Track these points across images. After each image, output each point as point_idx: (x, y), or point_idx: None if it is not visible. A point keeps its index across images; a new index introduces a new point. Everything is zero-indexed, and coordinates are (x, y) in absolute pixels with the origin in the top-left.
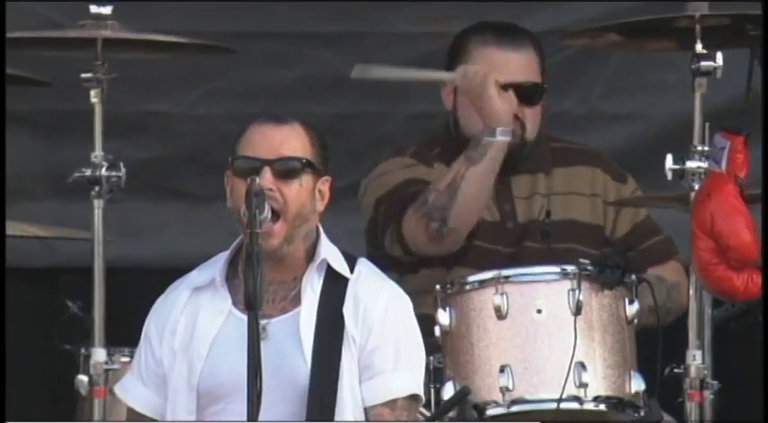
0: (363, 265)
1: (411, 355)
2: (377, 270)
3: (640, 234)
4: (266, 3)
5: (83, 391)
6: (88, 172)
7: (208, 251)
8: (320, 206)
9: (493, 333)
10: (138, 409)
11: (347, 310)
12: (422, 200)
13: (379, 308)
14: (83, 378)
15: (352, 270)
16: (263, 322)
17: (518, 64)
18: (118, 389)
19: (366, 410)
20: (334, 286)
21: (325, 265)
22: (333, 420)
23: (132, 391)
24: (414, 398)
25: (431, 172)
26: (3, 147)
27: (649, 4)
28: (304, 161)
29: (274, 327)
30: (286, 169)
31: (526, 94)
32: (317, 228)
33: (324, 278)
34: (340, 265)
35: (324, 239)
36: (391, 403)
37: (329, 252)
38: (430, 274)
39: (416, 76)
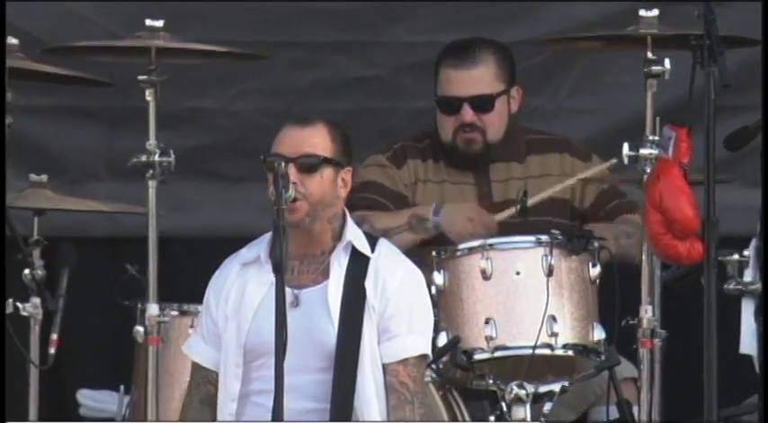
0: (383, 245)
1: (422, 321)
2: (395, 249)
3: (606, 198)
4: (290, 16)
5: (139, 340)
6: (144, 158)
7: (241, 223)
8: (343, 193)
9: (479, 291)
10: (201, 363)
11: (369, 284)
12: (367, 217)
13: (396, 281)
14: (139, 329)
15: (373, 249)
16: (296, 291)
17: (469, 80)
18: (185, 348)
19: (384, 367)
20: (358, 263)
21: (351, 245)
22: (355, 375)
23: (196, 348)
24: (423, 357)
25: (398, 173)
26: (3, 145)
27: (607, 18)
28: (321, 158)
29: (306, 296)
30: (306, 164)
31: (478, 104)
32: (344, 212)
33: (349, 256)
34: (363, 246)
35: (350, 223)
36: (404, 361)
37: (354, 235)
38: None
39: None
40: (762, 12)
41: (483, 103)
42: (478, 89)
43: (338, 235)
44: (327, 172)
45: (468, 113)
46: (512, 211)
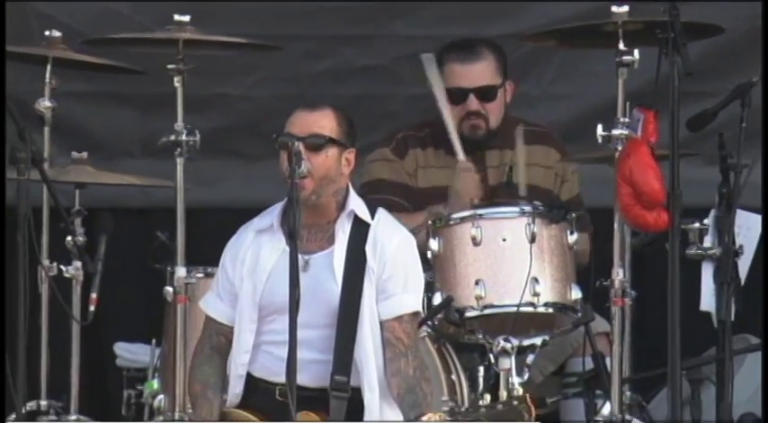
0: (382, 213)
1: (415, 281)
2: (392, 218)
3: (573, 206)
4: (303, 13)
5: (168, 299)
6: (173, 137)
7: (258, 196)
8: (346, 170)
9: (470, 256)
10: (217, 318)
11: (368, 248)
12: None
13: (393, 246)
14: (169, 289)
15: (372, 217)
16: (306, 257)
17: (475, 73)
18: (201, 303)
19: (381, 323)
20: (360, 230)
21: (353, 214)
22: (356, 330)
23: (212, 304)
24: (416, 314)
25: (402, 163)
26: (3, 143)
27: (584, 14)
28: (327, 138)
29: (315, 261)
30: (314, 143)
31: (483, 93)
32: (348, 186)
33: (352, 224)
34: (364, 214)
35: (352, 194)
36: (400, 318)
37: (356, 204)
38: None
39: (445, 115)
40: (762, 12)
41: (487, 93)
42: (483, 81)
43: (342, 205)
44: (332, 151)
45: (473, 102)
46: (455, 140)
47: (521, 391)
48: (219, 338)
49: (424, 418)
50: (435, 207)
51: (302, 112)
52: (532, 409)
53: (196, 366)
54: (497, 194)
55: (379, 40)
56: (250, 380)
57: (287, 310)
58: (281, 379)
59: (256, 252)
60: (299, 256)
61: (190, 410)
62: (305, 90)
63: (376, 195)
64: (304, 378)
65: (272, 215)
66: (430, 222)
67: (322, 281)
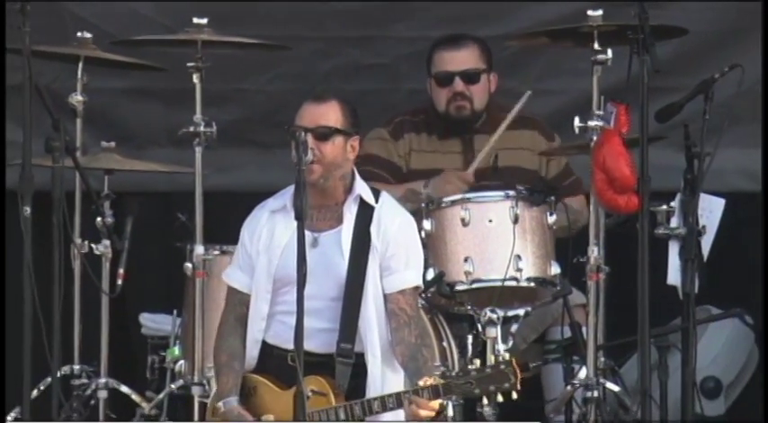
0: (385, 197)
1: (416, 259)
2: (394, 201)
3: (562, 176)
4: (312, 16)
5: (188, 273)
6: (191, 129)
7: (272, 181)
8: (351, 156)
9: (460, 235)
10: (238, 287)
11: (373, 229)
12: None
13: (395, 227)
14: (188, 265)
15: (377, 200)
16: (315, 235)
17: (460, 58)
18: (224, 276)
19: (386, 296)
20: (365, 212)
21: (359, 197)
22: (360, 302)
23: (233, 275)
24: (417, 288)
25: (396, 145)
26: (3, 143)
27: (568, 16)
28: (332, 129)
29: (324, 238)
30: (321, 134)
31: (468, 76)
32: (353, 171)
33: (358, 206)
34: (369, 197)
35: (358, 179)
36: (402, 291)
37: (362, 188)
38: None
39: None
40: (762, 12)
41: (471, 76)
42: (467, 65)
43: (349, 189)
44: (338, 139)
45: (459, 84)
46: (479, 159)
47: (507, 357)
48: (242, 309)
49: (420, 382)
50: (414, 184)
51: (310, 105)
52: (518, 371)
53: (223, 337)
54: (485, 177)
55: (382, 41)
56: (265, 347)
57: None
58: (293, 346)
59: (271, 229)
60: (309, 234)
61: (208, 374)
62: (315, 86)
63: (365, 167)
64: (312, 345)
65: (284, 197)
66: (423, 205)
67: (330, 256)
